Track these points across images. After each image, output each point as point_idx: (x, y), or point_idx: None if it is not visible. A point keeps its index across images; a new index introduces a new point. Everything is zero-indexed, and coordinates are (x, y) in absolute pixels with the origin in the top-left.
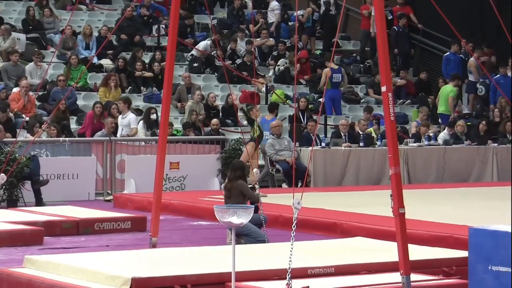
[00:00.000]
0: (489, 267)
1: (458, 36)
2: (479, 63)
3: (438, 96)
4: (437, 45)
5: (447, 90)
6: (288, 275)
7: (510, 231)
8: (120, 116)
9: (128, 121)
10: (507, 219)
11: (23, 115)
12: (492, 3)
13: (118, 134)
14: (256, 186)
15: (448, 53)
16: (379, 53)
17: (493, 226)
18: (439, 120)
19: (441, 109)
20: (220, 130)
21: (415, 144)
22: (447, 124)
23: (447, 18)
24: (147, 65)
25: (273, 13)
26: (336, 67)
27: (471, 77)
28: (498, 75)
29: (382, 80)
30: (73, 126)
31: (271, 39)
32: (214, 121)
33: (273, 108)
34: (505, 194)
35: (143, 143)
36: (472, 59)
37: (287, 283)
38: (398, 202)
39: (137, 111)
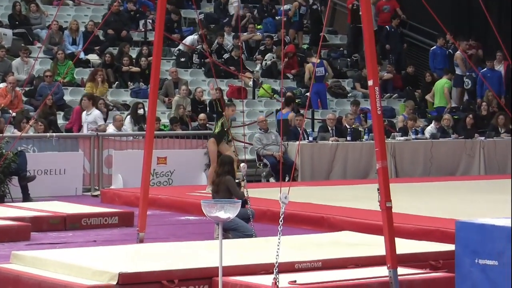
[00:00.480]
0: (476, 261)
1: (444, 29)
2: (466, 56)
3: (433, 91)
4: (424, 39)
5: (442, 83)
6: (276, 269)
7: (496, 224)
8: (84, 113)
9: (93, 117)
10: (494, 212)
11: (10, 111)
12: None
13: (84, 131)
14: (242, 183)
15: (434, 47)
16: (365, 47)
17: (480, 220)
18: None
19: (437, 102)
20: (207, 125)
21: (402, 138)
22: (434, 117)
23: (434, 12)
24: (134, 60)
25: (232, 6)
26: (318, 61)
27: (457, 71)
28: (485, 69)
29: (368, 74)
30: (60, 121)
31: (260, 33)
32: (202, 116)
33: (290, 101)
34: (492, 187)
35: (130, 138)
36: (458, 52)
37: (274, 278)
38: (385, 196)
39: (124, 106)
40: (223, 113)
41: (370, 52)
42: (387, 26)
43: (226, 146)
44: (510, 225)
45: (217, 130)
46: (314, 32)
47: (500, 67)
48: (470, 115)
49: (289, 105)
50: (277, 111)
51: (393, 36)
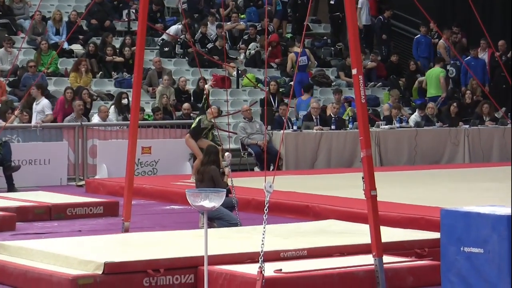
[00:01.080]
0: (461, 249)
1: (428, 18)
2: (449, 44)
3: (425, 80)
4: (407, 27)
5: (436, 72)
6: (261, 258)
7: (481, 212)
8: (34, 103)
9: (42, 107)
10: (479, 200)
11: None
12: None
13: (33, 121)
14: (226, 172)
15: (418, 35)
16: (349, 36)
17: (464, 208)
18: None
19: (431, 91)
20: (191, 114)
21: (387, 127)
22: (418, 106)
23: (417, 0)
24: (117, 50)
25: None
26: (301, 50)
27: None
28: (469, 57)
29: (352, 63)
30: None
31: (242, 23)
32: (185, 105)
33: (309, 88)
34: (477, 176)
35: (115, 128)
36: (441, 41)
37: (260, 266)
38: (370, 184)
39: (108, 96)
40: (206, 110)
41: (354, 41)
42: (380, 17)
43: (205, 141)
44: (510, 213)
45: (193, 126)
46: (298, 21)
47: (484, 55)
48: (455, 104)
49: (308, 91)
50: (261, 100)
51: (386, 27)
